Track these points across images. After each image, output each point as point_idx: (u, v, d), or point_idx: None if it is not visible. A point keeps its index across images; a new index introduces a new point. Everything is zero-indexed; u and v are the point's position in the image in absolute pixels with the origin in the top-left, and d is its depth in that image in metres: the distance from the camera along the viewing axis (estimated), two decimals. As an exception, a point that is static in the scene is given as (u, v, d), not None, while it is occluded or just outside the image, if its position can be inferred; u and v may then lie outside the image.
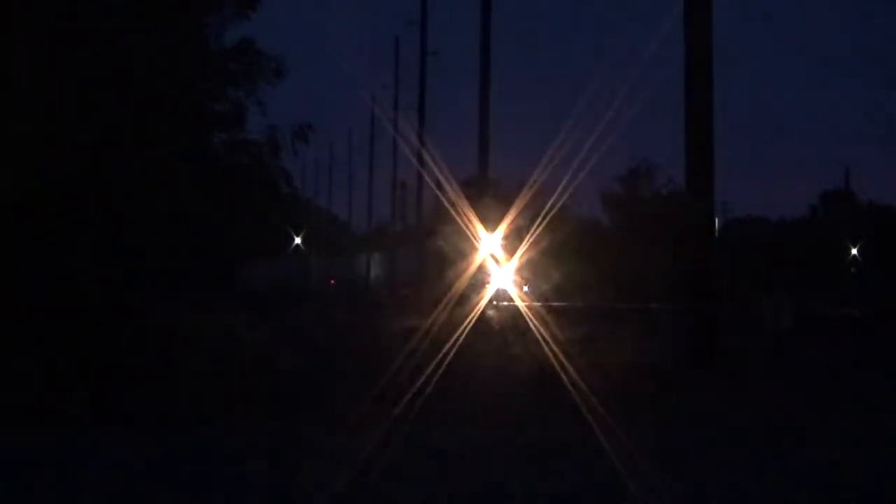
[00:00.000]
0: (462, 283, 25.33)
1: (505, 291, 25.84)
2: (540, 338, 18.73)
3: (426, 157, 26.28)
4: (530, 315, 21.08)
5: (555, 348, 17.07)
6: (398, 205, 56.61)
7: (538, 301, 24.21)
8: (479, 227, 27.13)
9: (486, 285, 25.28)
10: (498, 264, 24.98)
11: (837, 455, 8.79)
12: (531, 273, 26.47)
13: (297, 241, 57.39)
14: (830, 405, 11.94)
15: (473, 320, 20.43)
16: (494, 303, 26.08)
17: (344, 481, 7.44)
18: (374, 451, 8.19)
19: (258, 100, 14.13)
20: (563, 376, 13.79)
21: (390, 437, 8.70)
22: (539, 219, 23.68)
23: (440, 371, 11.85)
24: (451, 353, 13.04)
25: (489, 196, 29.25)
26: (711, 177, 16.05)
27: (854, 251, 49.32)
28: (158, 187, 12.31)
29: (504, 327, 20.89)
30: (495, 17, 28.97)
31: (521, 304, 21.72)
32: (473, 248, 28.36)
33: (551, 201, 22.01)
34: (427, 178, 40.24)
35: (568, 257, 28.63)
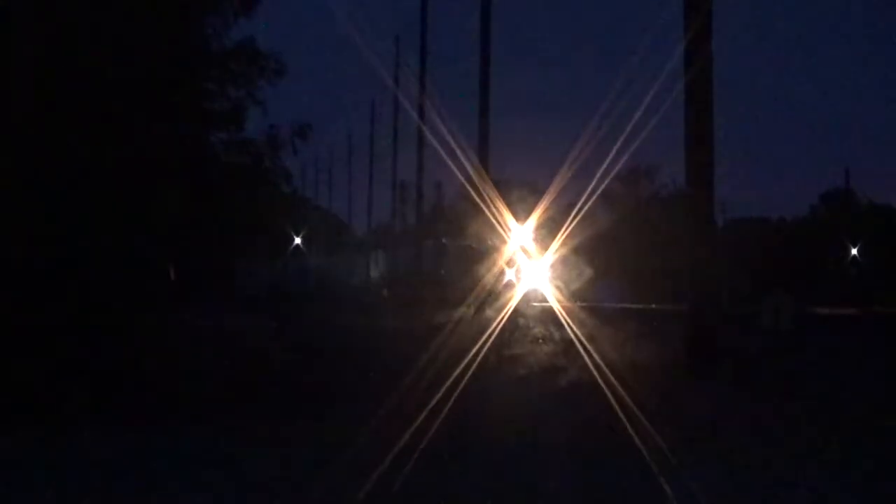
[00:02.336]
0: (465, 283, 25.12)
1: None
2: (538, 340, 18.72)
3: (451, 153, 26.06)
4: (525, 316, 20.96)
5: (553, 349, 17.08)
6: (398, 204, 56.66)
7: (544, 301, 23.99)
8: (483, 226, 26.85)
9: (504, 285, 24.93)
10: (511, 264, 24.67)
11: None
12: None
13: (297, 241, 57.33)
14: (818, 405, 11.98)
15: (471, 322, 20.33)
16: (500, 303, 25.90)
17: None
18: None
19: (258, 99, 14.14)
20: (557, 378, 13.81)
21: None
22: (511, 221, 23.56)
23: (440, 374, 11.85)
24: (459, 357, 13.03)
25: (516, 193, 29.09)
26: (711, 177, 16.06)
27: (854, 251, 49.28)
28: (158, 187, 12.31)
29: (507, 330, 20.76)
30: (496, 17, 28.99)
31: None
32: (477, 248, 28.14)
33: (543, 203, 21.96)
34: (427, 179, 40.21)
35: (578, 258, 28.32)
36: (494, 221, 23.34)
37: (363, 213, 65.88)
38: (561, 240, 21.78)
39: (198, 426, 10.03)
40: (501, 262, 24.41)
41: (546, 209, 22.92)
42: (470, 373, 11.95)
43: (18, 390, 10.18)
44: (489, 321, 18.53)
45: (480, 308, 21.54)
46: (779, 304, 22.78)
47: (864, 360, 17.07)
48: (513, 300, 22.15)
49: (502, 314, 19.27)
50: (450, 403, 10.10)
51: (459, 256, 31.40)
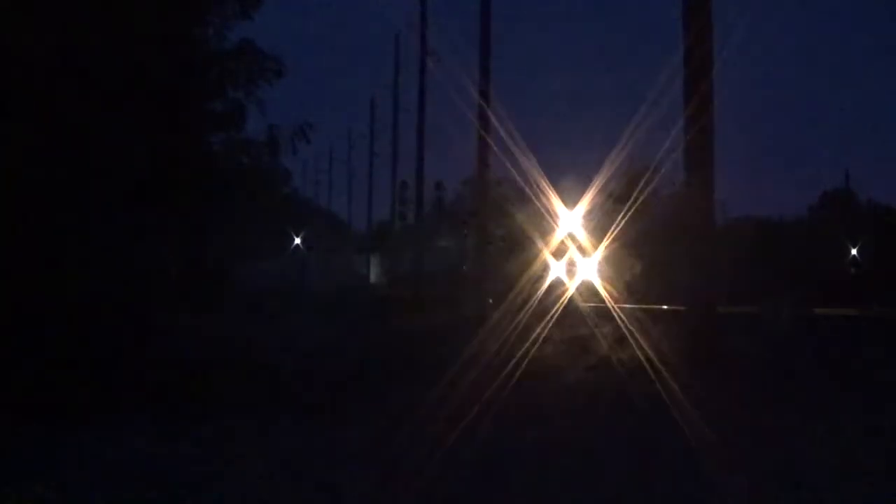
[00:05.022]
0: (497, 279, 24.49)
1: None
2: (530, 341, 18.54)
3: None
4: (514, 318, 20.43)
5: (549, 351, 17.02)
6: (398, 204, 56.62)
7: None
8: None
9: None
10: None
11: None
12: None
13: (297, 241, 57.33)
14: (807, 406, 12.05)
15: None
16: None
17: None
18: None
19: (258, 100, 14.16)
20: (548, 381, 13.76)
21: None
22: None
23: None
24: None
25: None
26: (711, 176, 16.08)
27: (854, 251, 49.24)
28: (158, 188, 12.32)
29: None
30: (495, 15, 28.97)
31: None
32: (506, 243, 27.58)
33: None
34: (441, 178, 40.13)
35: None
36: (544, 212, 22.58)
37: (363, 213, 65.76)
38: (612, 234, 20.78)
39: (199, 427, 10.04)
40: (541, 256, 23.44)
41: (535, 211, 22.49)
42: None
43: (20, 390, 10.19)
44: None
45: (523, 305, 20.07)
46: (778, 305, 22.79)
47: (857, 361, 17.09)
48: (562, 298, 21.19)
49: (551, 313, 18.44)
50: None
51: (486, 251, 30.58)
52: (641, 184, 19.40)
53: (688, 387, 11.15)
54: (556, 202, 22.57)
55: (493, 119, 24.98)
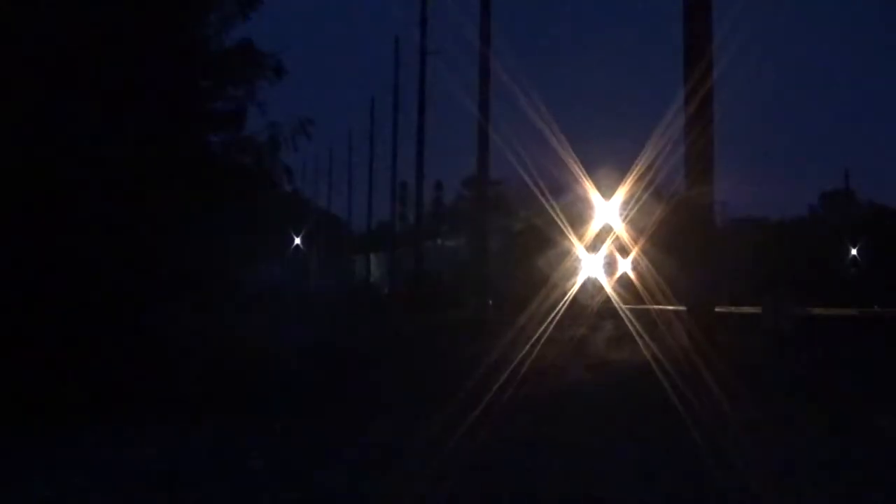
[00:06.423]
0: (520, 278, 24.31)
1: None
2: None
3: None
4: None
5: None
6: (398, 204, 56.64)
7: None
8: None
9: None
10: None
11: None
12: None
13: (297, 241, 57.31)
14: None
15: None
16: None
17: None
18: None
19: (257, 99, 14.17)
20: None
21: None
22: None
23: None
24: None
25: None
26: (711, 176, 16.08)
27: (854, 251, 49.28)
28: (157, 188, 12.32)
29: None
30: (495, 15, 29.02)
31: None
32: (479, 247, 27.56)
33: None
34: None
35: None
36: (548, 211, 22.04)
37: (363, 213, 65.69)
38: (652, 228, 19.90)
39: (195, 427, 10.04)
40: (572, 253, 22.80)
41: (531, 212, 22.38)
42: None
43: (14, 390, 10.19)
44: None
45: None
46: (778, 305, 22.77)
47: (855, 361, 17.13)
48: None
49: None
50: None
51: (489, 251, 30.22)
52: (643, 183, 19.20)
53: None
54: (553, 200, 22.51)
55: (510, 98, 24.52)
